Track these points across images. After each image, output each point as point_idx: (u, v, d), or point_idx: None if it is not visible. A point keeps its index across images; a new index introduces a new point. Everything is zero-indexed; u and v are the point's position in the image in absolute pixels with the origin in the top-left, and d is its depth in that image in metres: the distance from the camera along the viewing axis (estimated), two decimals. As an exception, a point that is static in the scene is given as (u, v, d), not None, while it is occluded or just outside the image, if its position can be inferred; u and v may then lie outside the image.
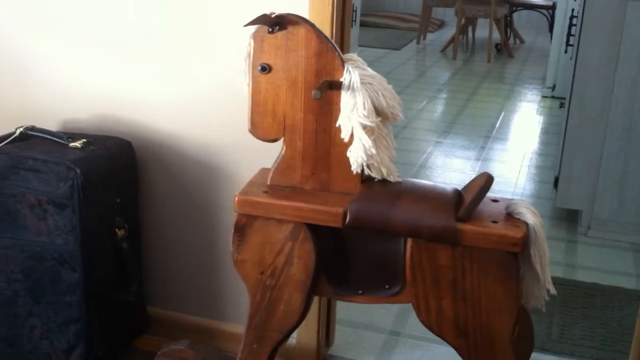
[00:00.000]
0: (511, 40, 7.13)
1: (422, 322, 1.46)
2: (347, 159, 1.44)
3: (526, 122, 4.85)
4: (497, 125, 4.59)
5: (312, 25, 1.40)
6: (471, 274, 1.40)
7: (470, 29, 7.06)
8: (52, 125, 2.00)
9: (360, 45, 5.98)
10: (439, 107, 5.17)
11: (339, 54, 1.40)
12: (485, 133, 4.39)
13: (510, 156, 4.11)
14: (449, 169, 3.83)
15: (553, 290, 1.44)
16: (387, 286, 1.47)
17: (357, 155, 1.42)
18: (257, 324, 1.51)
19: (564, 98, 3.44)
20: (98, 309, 1.88)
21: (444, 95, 5.44)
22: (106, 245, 1.88)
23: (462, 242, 1.38)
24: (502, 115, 4.83)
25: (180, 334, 2.02)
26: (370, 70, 1.42)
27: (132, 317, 2.05)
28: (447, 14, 7.79)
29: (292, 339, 2.03)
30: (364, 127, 1.40)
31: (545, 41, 6.55)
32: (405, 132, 4.34)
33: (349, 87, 1.38)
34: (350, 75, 1.38)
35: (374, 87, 1.40)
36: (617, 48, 2.75)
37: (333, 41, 1.47)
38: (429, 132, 4.44)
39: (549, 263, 1.44)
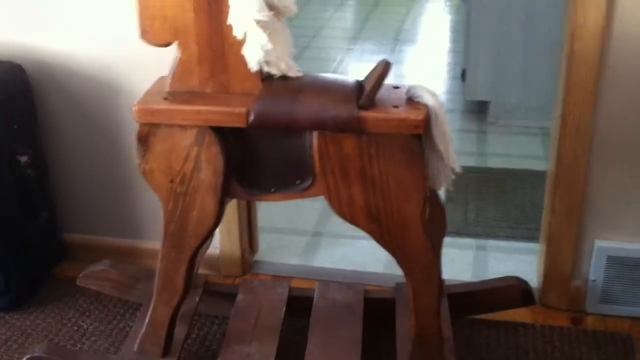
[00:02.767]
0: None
1: (335, 212, 1.48)
2: (245, 58, 1.42)
3: (434, 22, 4.88)
4: (406, 28, 4.61)
5: None
6: (377, 160, 1.42)
7: None
8: (-64, 56, 1.90)
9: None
10: (347, 15, 5.13)
11: (223, -52, 1.36)
12: (395, 36, 4.41)
13: (420, 56, 4.15)
14: (360, 75, 3.82)
15: (458, 169, 1.48)
16: (298, 181, 1.48)
17: (253, 53, 1.40)
18: (173, 232, 1.51)
19: (467, -7, 3.46)
20: (10, 239, 1.84)
21: (352, 3, 5.40)
22: (9, 174, 1.83)
23: (366, 130, 1.39)
24: (410, 17, 4.85)
25: (101, 257, 2.00)
26: (257, -37, 1.39)
27: (48, 245, 2.01)
28: None
29: (216, 249, 2.04)
30: (258, 22, 1.37)
31: (449, -59, 6.53)
32: (315, 42, 4.31)
33: (237, -18, 1.35)
34: (238, -32, 1.35)
35: (263, -20, 1.37)
36: None
37: (218, -63, 1.42)
38: (339, 40, 4.42)
39: (451, 142, 1.47)
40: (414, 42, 4.39)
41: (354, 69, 3.93)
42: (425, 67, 3.90)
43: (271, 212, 2.35)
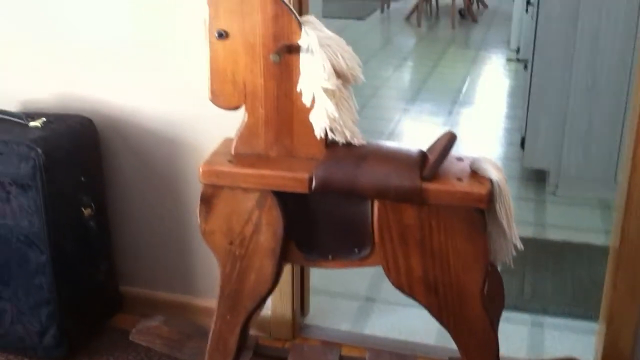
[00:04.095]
0: (474, 6, 7.13)
1: (393, 283, 1.46)
2: (311, 124, 1.43)
3: (492, 86, 4.87)
4: (464, 90, 4.61)
5: (267, -12, 1.38)
6: (438, 232, 1.40)
7: (433, -5, 7.06)
8: (11, 106, 1.96)
9: (324, 17, 5.94)
10: (405, 75, 5.17)
11: (295, 17, 1.38)
12: (453, 98, 4.41)
13: (478, 120, 4.13)
14: (417, 136, 3.84)
15: (520, 245, 1.46)
16: (356, 250, 1.47)
17: (320, 120, 1.41)
18: (228, 294, 1.51)
19: (528, 60, 3.46)
20: (69, 289, 1.87)
21: (410, 63, 5.44)
22: (73, 225, 1.86)
23: (429, 201, 1.38)
24: (468, 80, 4.85)
25: (154, 311, 2.01)
26: (328, 32, 1.41)
27: (104, 296, 2.03)
28: (410, -18, 7.76)
29: (267, 310, 2.03)
30: (325, 90, 1.39)
31: (509, 5, 6.55)
32: (373, 101, 4.33)
33: (307, 50, 1.37)
34: (308, 37, 1.37)
35: (332, 49, 1.38)
36: (577, 5, 2.75)
37: (290, 5, 1.45)
38: (397, 100, 4.44)
39: (514, 218, 1.45)
40: (471, 105, 4.38)
41: (411, 129, 3.93)
42: (482, 131, 3.87)
43: (323, 273, 2.32)
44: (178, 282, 2.08)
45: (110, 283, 2.05)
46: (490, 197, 1.38)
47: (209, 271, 1.99)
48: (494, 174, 1.40)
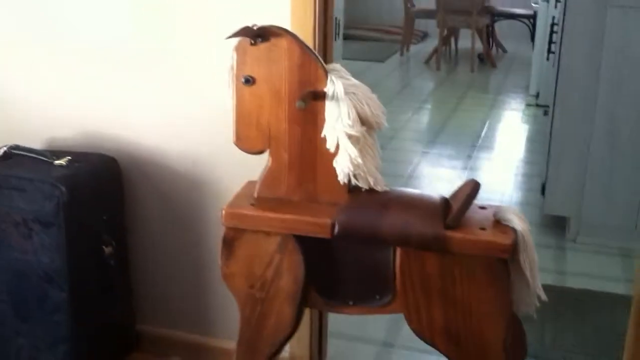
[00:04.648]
0: (494, 50, 7.17)
1: (414, 331, 1.45)
2: (334, 169, 1.44)
3: (511, 131, 4.87)
4: (483, 135, 4.60)
5: (294, 36, 1.40)
6: (461, 281, 1.39)
7: (452, 39, 7.10)
8: (37, 144, 1.99)
9: (344, 58, 5.99)
10: (424, 118, 5.19)
11: (321, 64, 1.40)
12: (472, 142, 4.41)
13: (497, 165, 4.12)
14: (436, 179, 3.83)
15: (544, 296, 1.44)
16: (377, 296, 1.46)
17: (344, 165, 1.42)
18: (248, 338, 1.50)
19: (548, 106, 3.46)
20: (86, 327, 1.86)
21: (429, 106, 5.47)
22: (93, 263, 1.86)
23: (451, 250, 1.37)
24: (487, 124, 4.85)
25: (171, 351, 2.01)
26: (353, 80, 1.42)
27: (121, 335, 2.02)
28: (430, 25, 7.83)
29: (285, 353, 2.01)
30: (350, 137, 1.40)
31: (527, 50, 6.59)
32: (392, 144, 4.34)
33: (333, 97, 1.38)
34: (334, 85, 1.38)
35: (357, 97, 1.40)
36: (599, 53, 2.76)
37: (316, 52, 1.47)
38: (416, 143, 4.44)
39: (538, 269, 1.44)
40: (490, 150, 4.38)
41: (430, 172, 3.93)
42: (501, 176, 3.86)
43: (341, 317, 2.29)
44: (196, 323, 2.07)
45: (128, 321, 2.04)
46: (514, 247, 1.37)
47: (228, 313, 1.98)
48: (518, 224, 1.39)
